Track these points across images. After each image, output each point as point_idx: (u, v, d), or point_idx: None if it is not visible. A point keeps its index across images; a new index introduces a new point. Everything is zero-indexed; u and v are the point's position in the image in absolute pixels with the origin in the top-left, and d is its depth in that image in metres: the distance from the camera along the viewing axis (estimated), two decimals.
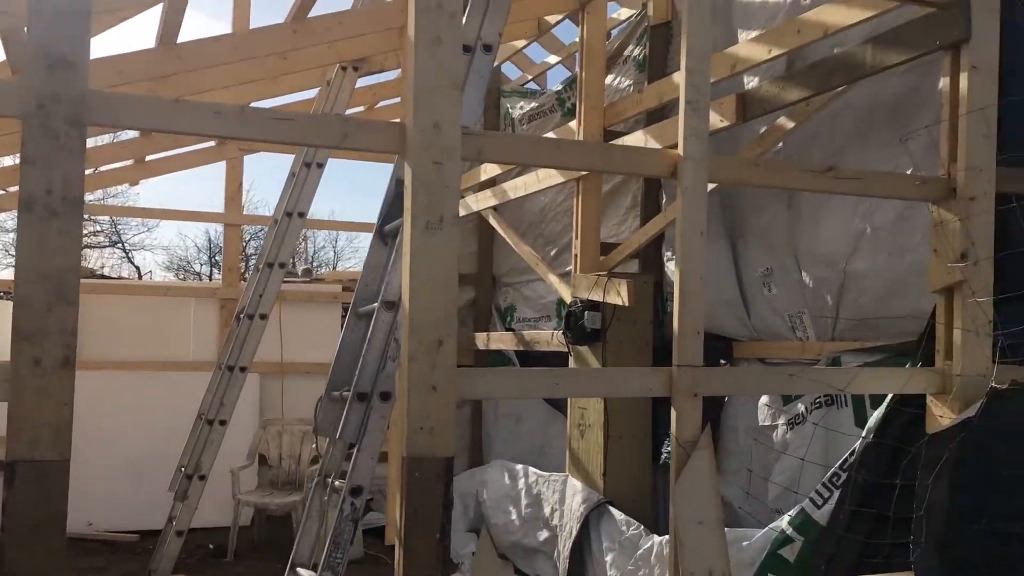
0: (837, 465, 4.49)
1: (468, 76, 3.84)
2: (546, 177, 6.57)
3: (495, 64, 8.70)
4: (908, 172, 4.70)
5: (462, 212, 8.22)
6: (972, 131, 3.97)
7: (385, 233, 4.13)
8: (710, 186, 3.73)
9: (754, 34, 5.96)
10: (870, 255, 5.08)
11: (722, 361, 6.28)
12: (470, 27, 3.94)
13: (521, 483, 7.31)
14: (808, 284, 5.57)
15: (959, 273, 3.92)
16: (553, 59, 8.79)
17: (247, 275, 10.95)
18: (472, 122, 3.82)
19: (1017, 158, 4.13)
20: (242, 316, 6.83)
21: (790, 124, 5.43)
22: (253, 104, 7.87)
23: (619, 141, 6.25)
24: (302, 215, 6.68)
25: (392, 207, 4.07)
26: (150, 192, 44.91)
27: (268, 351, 8.99)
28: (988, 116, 4.00)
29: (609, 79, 7.58)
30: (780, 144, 5.77)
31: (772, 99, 5.15)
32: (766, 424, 5.86)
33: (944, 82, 4.17)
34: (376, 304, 3.85)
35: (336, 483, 3.95)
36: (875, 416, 4.31)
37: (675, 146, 3.70)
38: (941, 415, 3.95)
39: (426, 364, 3.11)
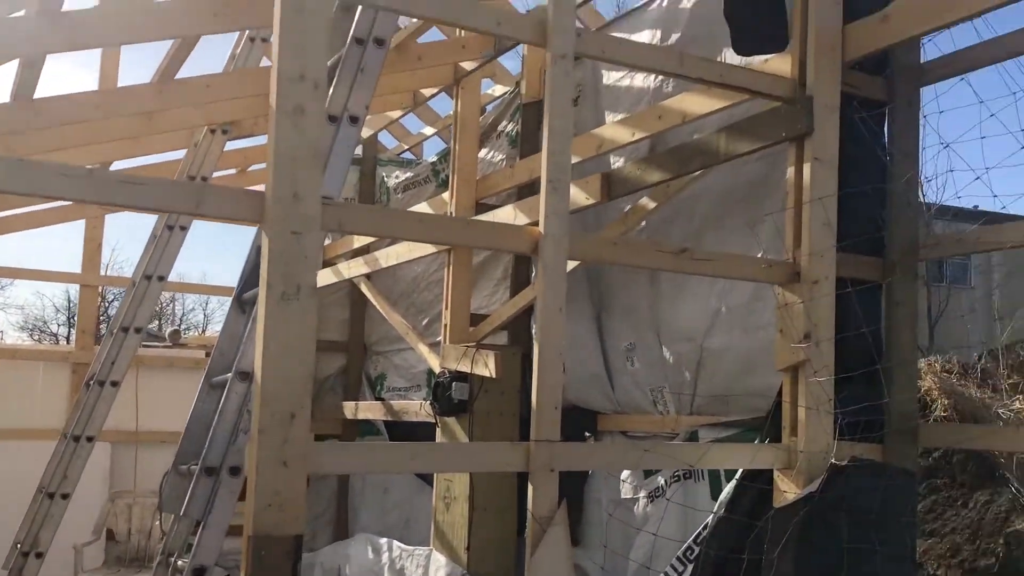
0: (691, 539, 4.58)
1: (333, 147, 3.84)
2: (417, 247, 6.58)
3: (372, 133, 8.75)
4: (759, 255, 4.93)
5: (334, 279, 8.13)
6: (814, 219, 4.21)
7: (243, 301, 4.04)
8: (573, 263, 3.83)
9: (620, 116, 6.21)
10: (725, 333, 5.27)
11: (587, 434, 6.36)
12: (337, 98, 3.95)
13: (385, 557, 7.13)
14: (668, 359, 5.73)
15: (802, 353, 4.11)
16: (429, 130, 8.90)
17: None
18: (336, 192, 3.81)
19: (855, 245, 4.40)
20: (92, 383, 6.51)
21: (652, 204, 5.64)
22: (116, 164, 7.65)
23: (490, 215, 6.34)
24: (162, 279, 6.47)
25: (251, 275, 3.99)
26: (7, 246, 42.66)
27: (123, 419, 8.57)
28: (828, 205, 4.25)
29: (483, 153, 7.72)
30: (643, 223, 5.97)
31: (635, 180, 5.34)
32: (628, 497, 5.94)
33: (790, 171, 4.42)
34: (230, 374, 3.74)
35: (179, 563, 3.76)
36: (726, 491, 4.43)
37: (539, 223, 3.78)
38: (786, 490, 4.09)
39: (277, 438, 3.02)
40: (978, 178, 4.10)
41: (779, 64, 4.51)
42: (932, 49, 4.61)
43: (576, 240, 3.86)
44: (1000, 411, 6.26)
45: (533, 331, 6.70)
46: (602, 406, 6.31)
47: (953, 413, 6.10)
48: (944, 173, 4.60)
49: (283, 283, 3.08)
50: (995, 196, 4.51)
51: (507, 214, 6.10)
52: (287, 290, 3.08)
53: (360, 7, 4.13)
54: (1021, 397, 6.81)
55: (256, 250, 4.03)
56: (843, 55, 4.37)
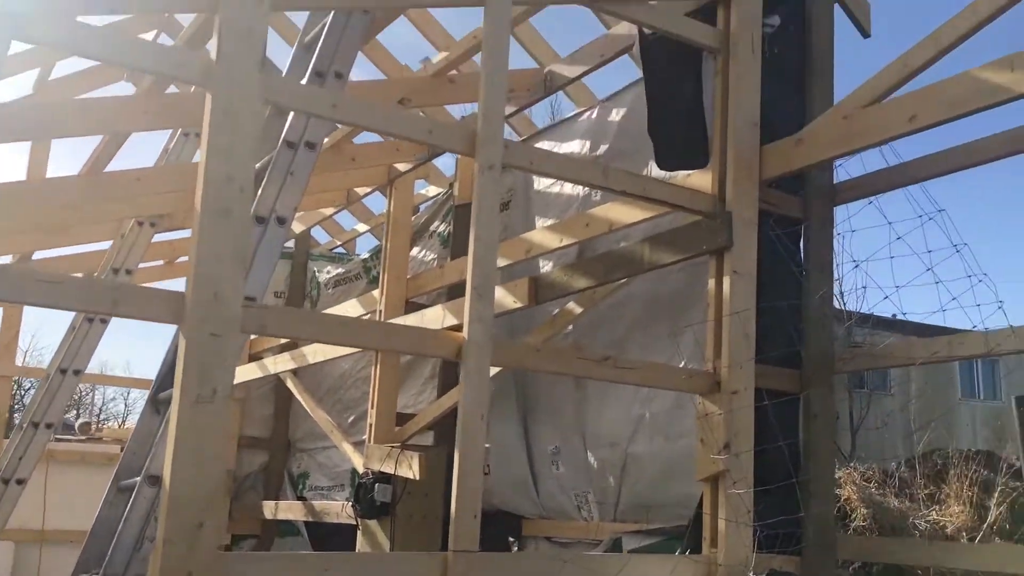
0: None
1: (259, 247, 3.83)
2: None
3: (305, 228, 8.76)
4: (682, 363, 5.01)
5: (260, 374, 7.99)
6: (733, 331, 4.30)
7: (158, 401, 3.94)
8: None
9: (550, 222, 6.34)
10: (648, 439, 5.30)
11: (511, 539, 6.27)
12: (265, 199, 3.96)
13: None
14: (593, 464, 5.73)
15: (722, 464, 4.14)
16: (362, 227, 8.95)
17: None
18: (259, 293, 3.79)
19: (773, 357, 4.50)
20: None
21: (578, 310, 5.72)
22: (42, 253, 7.51)
23: (418, 315, 6.34)
24: (78, 372, 6.28)
25: (168, 375, 3.91)
26: None
27: (29, 516, 8.18)
28: (747, 318, 4.35)
29: (415, 251, 7.77)
30: (570, 327, 6.04)
31: (562, 285, 5.42)
32: None
33: (711, 283, 4.53)
34: (139, 477, 3.62)
35: None
36: None
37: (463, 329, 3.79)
38: None
39: (183, 548, 2.92)
40: (887, 297, 4.25)
41: (700, 180, 4.68)
42: (847, 170, 4.84)
43: (500, 347, 3.88)
44: (917, 522, 6.35)
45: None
46: (527, 511, 6.24)
47: (872, 523, 6.16)
48: (858, 289, 4.78)
49: (198, 386, 3.02)
50: (904, 313, 4.71)
51: (436, 315, 6.11)
52: (202, 393, 3.02)
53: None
54: (937, 507, 6.92)
55: (174, 349, 3.96)
56: (761, 174, 4.55)
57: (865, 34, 5.26)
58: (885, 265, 4.61)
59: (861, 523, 6.19)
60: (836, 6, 5.07)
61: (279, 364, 7.85)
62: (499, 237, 6.71)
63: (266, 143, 4.13)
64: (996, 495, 6.47)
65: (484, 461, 6.47)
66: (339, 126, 6.34)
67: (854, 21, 5.22)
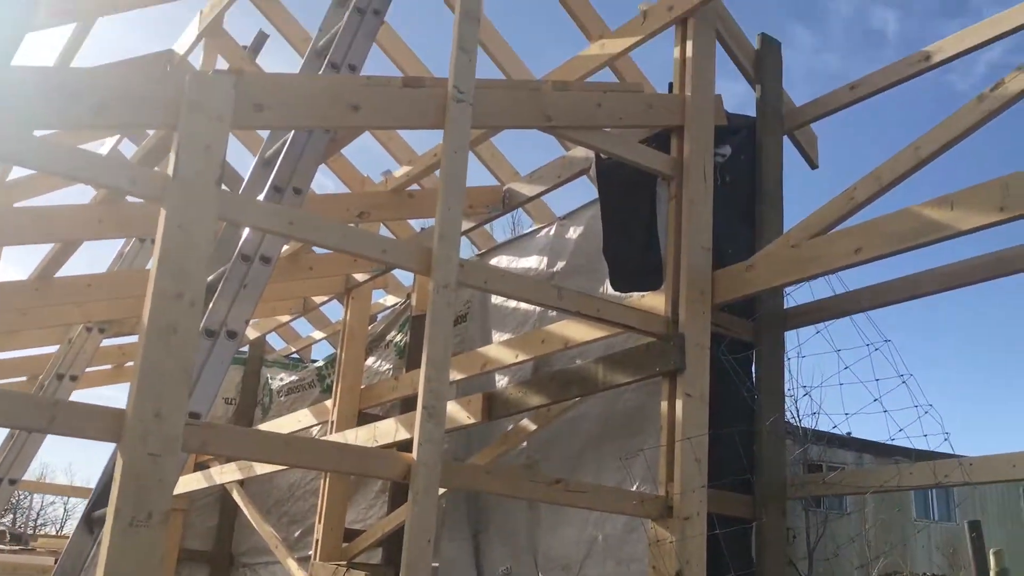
0: None
1: (207, 362, 3.76)
2: None
3: (260, 335, 8.67)
4: (634, 486, 4.95)
5: (205, 484, 7.77)
6: (685, 455, 4.28)
7: (92, 519, 3.79)
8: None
9: (507, 336, 6.34)
10: (600, 562, 5.19)
11: None
12: (216, 312, 3.91)
13: None
14: None
15: None
16: (318, 334, 8.89)
17: None
18: (205, 409, 3.70)
19: (726, 482, 4.48)
20: None
21: (533, 427, 5.67)
22: None
23: (371, 427, 6.23)
24: (13, 482, 6.06)
25: (103, 493, 3.77)
26: None
27: None
28: (699, 442, 4.34)
29: (370, 361, 7.71)
30: (524, 444, 5.97)
31: (516, 402, 5.38)
32: None
33: (664, 405, 4.53)
34: None
35: None
36: None
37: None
38: None
39: None
40: (835, 427, 4.27)
41: (654, 301, 4.73)
42: (794, 298, 4.93)
43: (449, 468, 3.81)
44: None
45: None
46: None
47: None
48: (812, 414, 4.80)
49: (133, 508, 2.91)
50: (851, 435, 4.71)
51: (388, 428, 6.02)
52: (137, 516, 2.91)
53: None
54: None
55: (112, 466, 3.83)
56: (713, 298, 4.62)
57: (813, 166, 5.45)
58: (838, 389, 4.66)
59: None
60: (785, 138, 5.26)
61: (225, 474, 7.64)
62: (456, 350, 6.78)
63: (221, 254, 4.12)
64: None
65: None
66: None
67: (803, 153, 5.42)
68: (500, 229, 16.48)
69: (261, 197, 4.19)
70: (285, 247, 6.51)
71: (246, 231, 4.15)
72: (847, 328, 4.54)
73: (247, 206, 3.72)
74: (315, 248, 6.67)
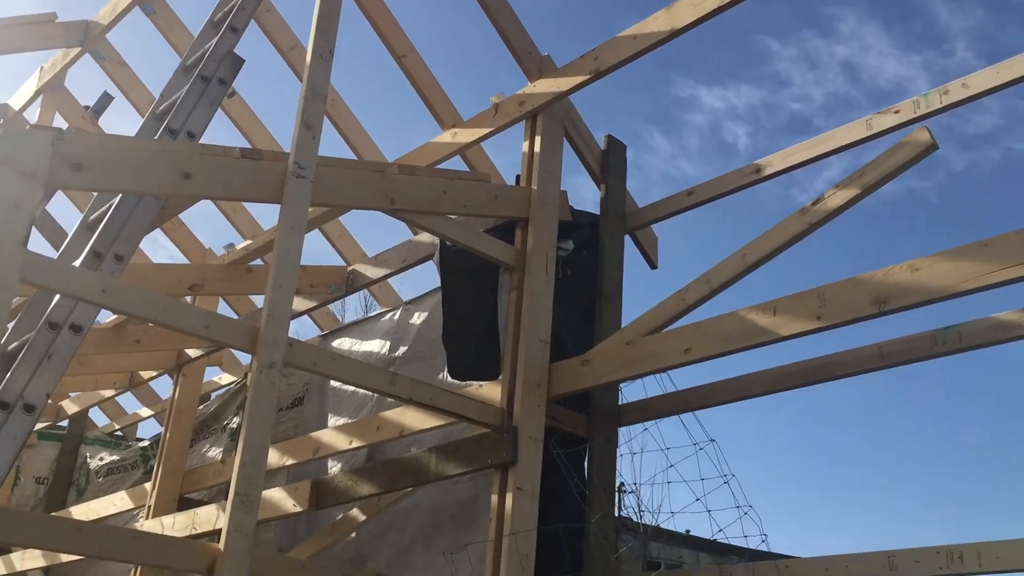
0: None
1: None
2: None
3: (81, 409, 8.10)
4: None
5: (3, 571, 7.07)
6: (513, 550, 4.18)
7: None
8: None
9: (343, 420, 6.14)
10: None
11: None
12: (14, 383, 3.60)
13: None
14: None
15: None
16: (146, 411, 8.38)
17: None
18: None
19: None
20: None
21: (362, 517, 5.46)
22: None
23: (189, 513, 5.84)
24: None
25: None
26: None
27: None
28: (528, 537, 4.25)
29: (203, 445, 7.32)
30: (354, 534, 5.74)
31: (345, 491, 5.16)
32: None
33: (494, 499, 4.43)
34: None
35: None
36: None
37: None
38: None
39: None
40: (657, 523, 4.29)
41: (490, 392, 4.68)
42: (634, 392, 4.98)
43: (260, 561, 3.58)
44: None
45: None
46: None
47: None
48: (650, 512, 4.79)
49: None
50: (689, 533, 4.74)
51: (209, 514, 5.65)
52: None
53: None
54: None
55: None
56: (549, 391, 4.60)
57: (652, 265, 5.60)
58: (673, 487, 4.69)
59: None
60: (627, 237, 5.40)
61: (27, 561, 7.00)
62: (291, 433, 6.51)
63: (28, 321, 3.82)
64: None
65: None
66: None
67: (643, 253, 5.57)
68: (353, 311, 16.23)
69: (78, 262, 3.93)
70: (111, 317, 6.16)
71: (56, 297, 3.87)
72: (679, 426, 4.61)
73: (57, 270, 3.48)
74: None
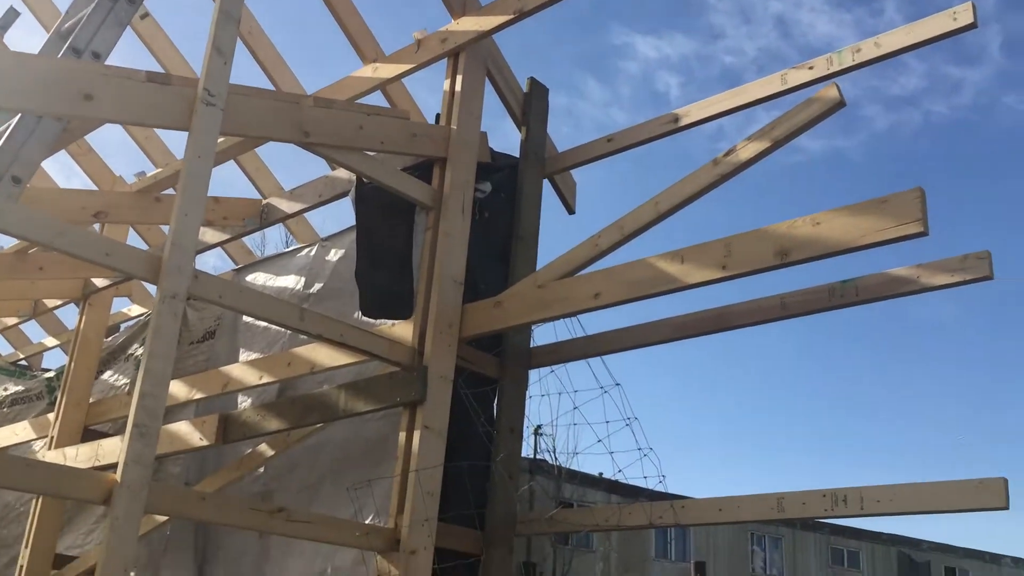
0: None
1: None
2: None
3: None
4: (369, 518, 4.83)
5: None
6: (419, 487, 4.23)
7: None
8: None
9: (255, 355, 6.07)
10: None
11: None
12: None
13: None
14: None
15: None
16: (51, 341, 8.15)
17: None
18: None
19: (458, 516, 4.45)
20: None
21: (270, 452, 5.43)
22: None
23: (94, 444, 5.73)
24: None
25: None
26: None
27: None
28: (433, 475, 4.30)
29: (107, 375, 7.16)
30: (262, 469, 5.71)
31: (253, 425, 5.13)
32: None
33: (402, 436, 4.46)
34: None
35: None
36: None
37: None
38: None
39: None
40: (558, 463, 4.35)
41: (402, 331, 4.67)
42: (545, 335, 5.04)
43: (157, 492, 3.54)
44: None
45: None
46: None
47: None
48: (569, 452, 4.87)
49: None
50: (602, 476, 4.85)
51: (113, 446, 5.57)
52: None
53: None
54: None
55: None
56: (461, 331, 4.62)
57: (570, 211, 5.62)
58: (584, 432, 4.77)
59: None
60: (546, 182, 5.40)
61: None
62: (202, 367, 6.41)
63: None
64: None
65: None
66: None
67: (561, 197, 5.58)
68: (274, 248, 15.96)
69: None
70: (12, 243, 5.95)
71: None
72: (588, 371, 4.69)
73: None
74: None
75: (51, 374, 7.84)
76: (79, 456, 5.65)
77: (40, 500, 5.92)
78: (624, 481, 4.99)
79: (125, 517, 3.35)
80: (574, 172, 5.84)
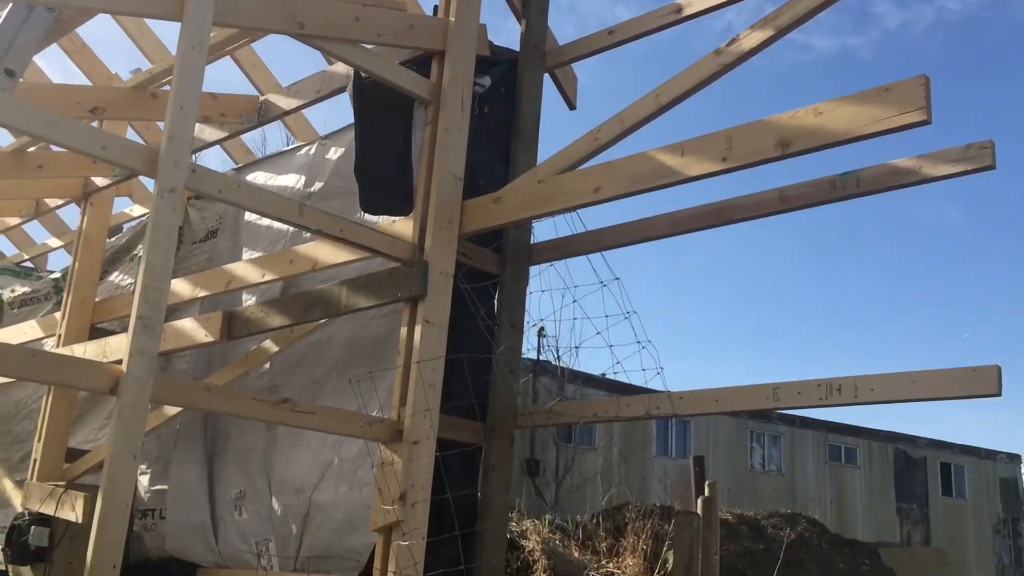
0: None
1: None
2: None
3: None
4: (375, 411, 4.93)
5: None
6: (420, 380, 4.29)
7: None
8: None
9: (257, 254, 6.09)
10: (333, 486, 5.15)
11: None
12: None
13: None
14: (277, 511, 5.48)
15: (395, 514, 4.08)
16: (55, 242, 8.17)
17: None
18: None
19: (459, 408, 4.54)
20: None
21: (275, 348, 5.50)
22: None
23: (101, 342, 5.81)
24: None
25: None
26: None
27: None
28: (436, 367, 4.36)
29: (113, 276, 7.21)
30: (267, 365, 5.80)
31: (257, 322, 5.20)
32: None
33: (403, 331, 4.51)
34: None
35: None
36: None
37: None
38: None
39: None
40: (559, 357, 4.41)
41: (402, 227, 4.68)
42: (544, 232, 5.04)
43: (163, 383, 3.62)
44: (592, 574, 6.61)
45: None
46: (203, 558, 5.85)
47: (552, 574, 6.33)
48: (571, 348, 4.91)
49: None
50: (604, 376, 4.91)
51: (120, 343, 5.65)
52: None
53: None
54: (616, 559, 7.27)
55: None
56: (461, 227, 4.62)
57: (571, 106, 5.55)
58: (586, 332, 4.81)
59: (542, 574, 6.35)
60: (546, 76, 5.31)
61: None
62: (204, 266, 6.45)
63: None
64: (666, 546, 6.88)
65: (160, 504, 6.05)
66: None
67: (562, 92, 5.50)
68: (275, 148, 15.80)
69: None
70: (11, 141, 5.91)
71: None
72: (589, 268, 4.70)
73: None
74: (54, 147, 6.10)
75: (57, 275, 7.90)
76: (87, 353, 5.73)
77: (51, 395, 6.04)
78: (625, 381, 5.06)
79: (132, 406, 3.43)
80: (577, 70, 5.75)
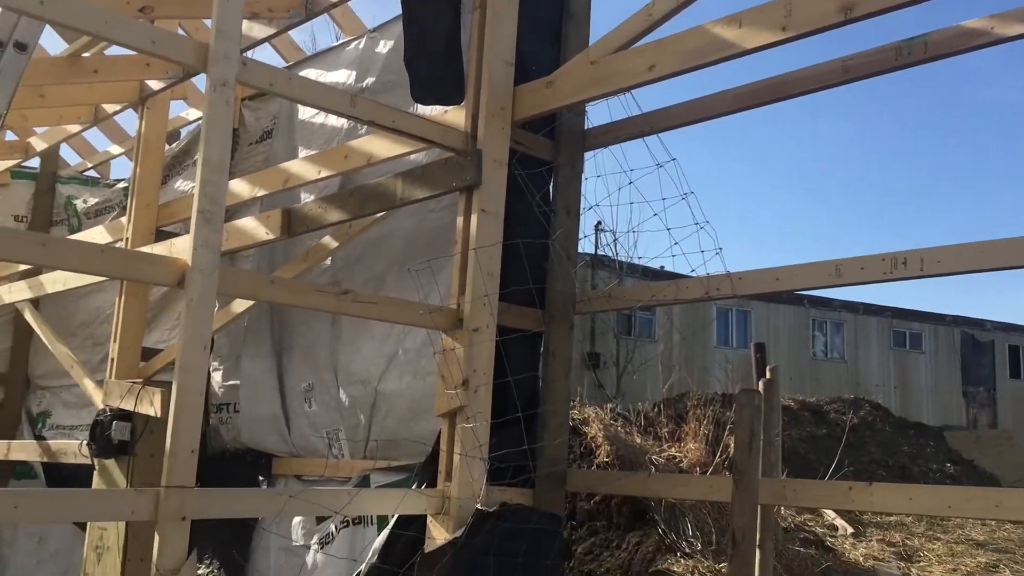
0: None
1: None
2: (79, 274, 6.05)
3: (49, 146, 7.99)
4: (437, 301, 4.99)
5: None
6: (478, 268, 4.32)
7: None
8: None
9: (313, 152, 6.12)
10: (398, 376, 5.28)
11: (260, 478, 6.11)
12: None
13: None
14: (344, 402, 5.64)
15: (459, 399, 4.17)
16: (116, 149, 8.28)
17: None
18: None
19: (517, 295, 4.57)
20: None
21: (334, 244, 5.57)
22: None
23: (166, 244, 5.96)
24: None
25: None
26: None
27: None
28: (493, 255, 4.38)
29: (177, 184, 7.33)
30: (328, 261, 5.89)
31: (316, 218, 5.25)
32: (299, 544, 5.74)
33: (459, 220, 4.51)
34: None
35: None
36: (379, 538, 4.39)
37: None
38: (437, 536, 4.11)
39: None
40: (616, 240, 4.38)
41: (455, 116, 4.63)
42: (597, 116, 4.94)
43: (227, 276, 3.69)
44: (655, 458, 6.73)
45: (212, 367, 6.38)
46: (278, 449, 6.09)
47: (615, 459, 6.47)
48: (629, 234, 4.86)
49: None
50: (664, 269, 4.88)
51: (185, 243, 5.76)
52: None
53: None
54: (677, 444, 7.39)
55: None
56: (513, 114, 4.56)
57: None
58: (636, 209, 4.77)
59: (605, 459, 6.49)
60: None
61: (14, 293, 7.22)
62: (261, 167, 6.50)
63: None
64: (727, 432, 6.96)
65: (234, 398, 6.26)
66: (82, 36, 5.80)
67: None
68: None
69: None
70: (64, 47, 5.95)
71: None
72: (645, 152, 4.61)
73: None
74: (108, 52, 6.12)
75: (126, 184, 8.04)
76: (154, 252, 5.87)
77: (124, 295, 6.23)
78: (683, 271, 5.00)
79: (199, 299, 3.52)
80: None
